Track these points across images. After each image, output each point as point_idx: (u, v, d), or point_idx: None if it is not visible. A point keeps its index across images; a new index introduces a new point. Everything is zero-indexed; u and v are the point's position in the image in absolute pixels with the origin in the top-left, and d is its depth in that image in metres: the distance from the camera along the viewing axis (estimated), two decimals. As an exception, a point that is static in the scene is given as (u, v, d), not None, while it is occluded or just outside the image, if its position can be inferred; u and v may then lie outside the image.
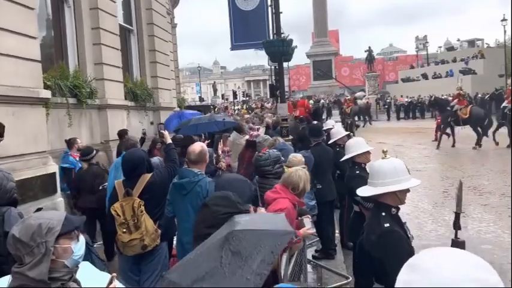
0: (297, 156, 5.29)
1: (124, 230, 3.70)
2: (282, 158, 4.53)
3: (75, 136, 7.48)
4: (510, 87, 17.54)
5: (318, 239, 6.30)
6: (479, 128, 15.34)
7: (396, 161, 2.65)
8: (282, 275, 2.87)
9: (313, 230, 3.71)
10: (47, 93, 6.33)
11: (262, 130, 7.75)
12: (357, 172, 4.50)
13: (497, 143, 15.26)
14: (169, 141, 4.53)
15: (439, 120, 17.10)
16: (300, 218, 3.65)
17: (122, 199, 3.80)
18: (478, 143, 15.22)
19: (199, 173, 3.76)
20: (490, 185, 10.00)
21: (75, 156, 7.01)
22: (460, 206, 2.36)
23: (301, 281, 4.56)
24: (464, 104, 16.33)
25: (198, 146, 3.94)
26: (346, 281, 5.07)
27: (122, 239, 3.74)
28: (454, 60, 42.49)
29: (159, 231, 3.86)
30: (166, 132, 4.67)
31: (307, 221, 3.57)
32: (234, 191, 3.11)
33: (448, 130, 16.45)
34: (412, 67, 51.84)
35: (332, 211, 6.16)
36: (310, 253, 6.00)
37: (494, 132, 15.51)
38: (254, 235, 1.51)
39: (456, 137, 16.31)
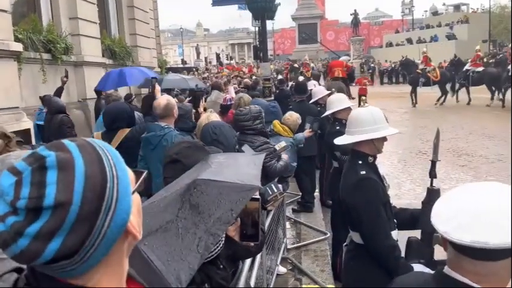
0: (293, 115, 5.25)
1: None
2: (263, 114, 4.45)
3: (50, 93, 7.24)
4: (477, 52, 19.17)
5: (297, 197, 6.36)
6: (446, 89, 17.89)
7: (374, 109, 2.60)
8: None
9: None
10: (17, 46, 6.06)
11: (231, 89, 7.59)
12: (337, 128, 4.46)
13: (457, 101, 18.15)
14: (158, 96, 4.43)
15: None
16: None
17: None
18: (444, 101, 17.86)
19: (165, 126, 3.66)
20: (469, 147, 10.16)
21: (51, 114, 6.80)
22: (437, 154, 2.34)
23: (278, 236, 4.61)
24: (432, 66, 18.29)
25: (164, 100, 3.83)
26: (324, 237, 5.14)
27: None
28: (439, 25, 42.31)
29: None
30: (158, 88, 4.57)
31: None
32: (224, 136, 3.02)
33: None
34: (397, 32, 51.49)
35: (311, 166, 6.17)
36: (290, 211, 6.08)
37: (457, 91, 18.33)
38: (216, 187, 1.41)
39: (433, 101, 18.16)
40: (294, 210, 6.05)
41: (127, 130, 3.95)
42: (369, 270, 2.44)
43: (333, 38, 60.83)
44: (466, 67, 18.31)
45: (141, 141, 3.86)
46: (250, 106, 4.48)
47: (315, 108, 6.26)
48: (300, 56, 50.26)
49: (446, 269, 1.18)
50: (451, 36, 37.00)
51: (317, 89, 7.06)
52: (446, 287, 1.16)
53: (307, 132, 5.54)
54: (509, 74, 15.68)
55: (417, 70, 18.62)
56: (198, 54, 69.54)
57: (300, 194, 6.27)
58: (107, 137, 3.87)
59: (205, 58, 65.87)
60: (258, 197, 1.68)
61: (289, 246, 4.90)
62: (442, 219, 1.16)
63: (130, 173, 0.81)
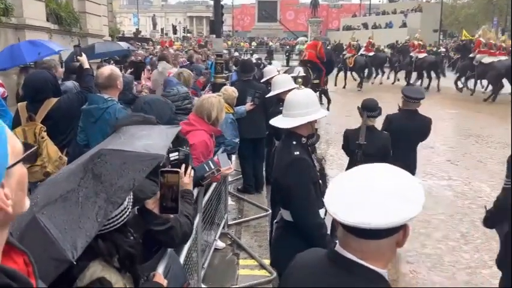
0: (228, 89, 5.20)
1: None
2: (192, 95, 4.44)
3: (-14, 56, 6.79)
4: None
5: (241, 176, 6.40)
6: (362, 74, 19.57)
7: (309, 91, 2.66)
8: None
9: (231, 168, 3.68)
10: None
11: (181, 62, 7.44)
12: (281, 108, 4.50)
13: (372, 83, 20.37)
14: (86, 66, 4.24)
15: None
16: (217, 154, 3.57)
17: (24, 124, 3.57)
18: (360, 85, 19.00)
19: (109, 99, 3.54)
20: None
21: (-14, 78, 6.39)
22: (363, 137, 2.45)
23: (220, 211, 4.67)
24: (353, 53, 20.05)
25: (107, 69, 3.68)
26: (265, 213, 5.25)
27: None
28: (394, 12, 43.35)
29: (65, 158, 3.68)
30: (84, 57, 4.36)
31: (224, 156, 3.50)
32: (154, 112, 2.96)
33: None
34: (354, 16, 52.24)
35: (257, 148, 6.12)
36: (236, 188, 6.15)
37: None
38: (120, 157, 1.41)
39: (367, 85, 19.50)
40: (238, 190, 6.11)
41: (54, 100, 3.75)
42: (296, 246, 2.53)
43: (292, 17, 60.91)
44: (361, 52, 21.04)
45: (82, 113, 3.73)
46: (177, 87, 4.43)
47: (263, 87, 6.24)
48: (258, 33, 49.94)
49: (337, 247, 1.26)
50: (405, 24, 38.12)
51: (268, 69, 7.05)
52: (337, 264, 1.24)
53: (248, 106, 5.57)
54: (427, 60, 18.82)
55: (340, 55, 21.13)
56: (155, 25, 67.36)
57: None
58: (32, 108, 3.67)
59: (162, 29, 63.93)
60: (177, 170, 1.71)
61: (230, 222, 4.98)
62: (333, 200, 1.21)
63: (17, 146, 0.82)
